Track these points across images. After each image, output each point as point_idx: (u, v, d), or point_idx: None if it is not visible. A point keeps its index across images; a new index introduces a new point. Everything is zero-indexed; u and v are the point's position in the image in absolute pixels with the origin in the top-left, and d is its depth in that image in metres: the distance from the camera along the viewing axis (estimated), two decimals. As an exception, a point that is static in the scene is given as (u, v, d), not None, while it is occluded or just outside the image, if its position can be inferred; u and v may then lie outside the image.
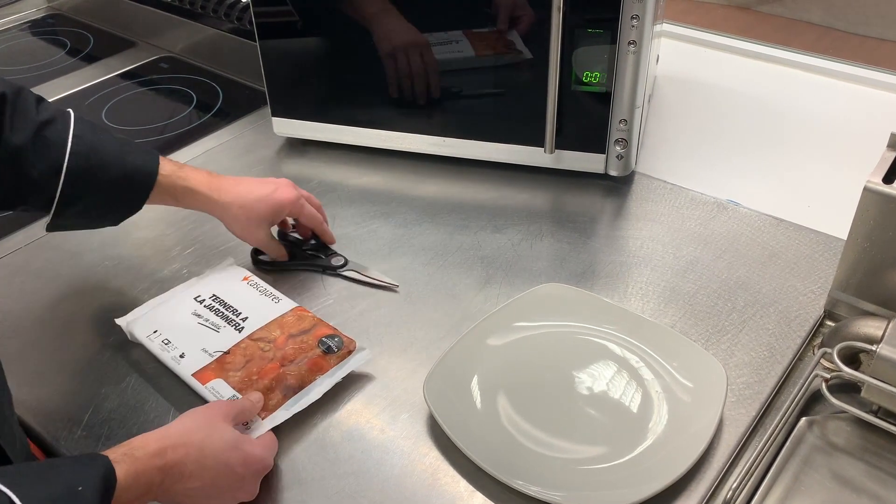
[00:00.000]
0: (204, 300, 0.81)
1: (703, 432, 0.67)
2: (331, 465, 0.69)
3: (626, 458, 0.67)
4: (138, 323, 0.79)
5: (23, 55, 1.48)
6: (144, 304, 0.82)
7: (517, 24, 0.91)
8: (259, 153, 1.11)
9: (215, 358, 0.74)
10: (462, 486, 0.67)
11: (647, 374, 0.74)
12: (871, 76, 1.15)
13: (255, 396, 0.69)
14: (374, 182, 1.04)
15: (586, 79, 0.92)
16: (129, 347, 0.80)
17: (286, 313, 0.79)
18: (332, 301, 0.85)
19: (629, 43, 0.88)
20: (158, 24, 1.44)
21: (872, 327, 0.71)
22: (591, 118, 0.94)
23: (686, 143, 1.08)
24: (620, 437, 0.69)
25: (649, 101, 1.09)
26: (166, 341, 0.76)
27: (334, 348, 0.74)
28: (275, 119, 1.09)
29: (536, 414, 0.71)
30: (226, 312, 0.79)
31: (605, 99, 0.92)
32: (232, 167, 1.09)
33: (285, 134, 1.11)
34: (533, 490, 0.64)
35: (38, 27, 1.60)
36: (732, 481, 0.64)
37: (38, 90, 1.31)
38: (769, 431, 0.67)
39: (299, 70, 1.03)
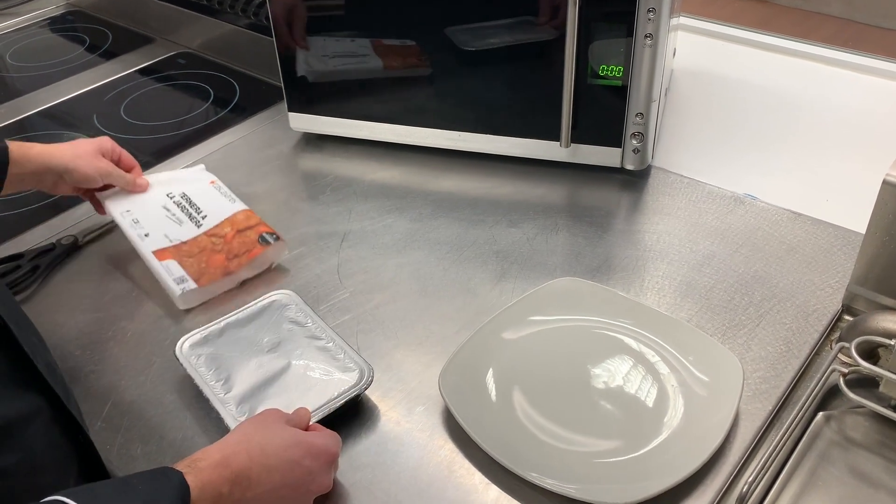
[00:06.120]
0: (174, 197, 0.94)
1: (719, 427, 0.67)
2: (346, 456, 0.69)
3: (642, 451, 0.67)
4: (114, 199, 0.92)
5: (42, 52, 1.49)
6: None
7: (535, 16, 0.91)
8: (276, 148, 1.12)
9: (174, 244, 0.88)
10: (477, 478, 0.67)
11: (662, 368, 0.74)
12: (891, 69, 1.14)
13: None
14: (390, 177, 1.05)
15: (602, 72, 0.91)
16: (146, 341, 0.81)
17: (237, 212, 0.92)
18: (347, 294, 0.86)
19: (646, 36, 0.88)
20: (176, 20, 1.45)
21: (891, 322, 0.71)
22: (607, 112, 0.94)
23: (703, 137, 1.07)
24: (636, 430, 0.69)
25: (666, 94, 1.08)
26: (136, 220, 0.90)
27: (270, 241, 0.88)
28: (291, 114, 1.09)
29: (552, 407, 0.71)
30: (190, 210, 0.92)
31: (621, 92, 0.92)
32: (249, 162, 1.09)
33: (302, 129, 1.11)
34: (548, 483, 0.64)
35: (57, 24, 1.62)
36: (748, 476, 0.64)
37: (57, 86, 1.35)
38: (786, 426, 0.67)
39: (315, 65, 1.03)
